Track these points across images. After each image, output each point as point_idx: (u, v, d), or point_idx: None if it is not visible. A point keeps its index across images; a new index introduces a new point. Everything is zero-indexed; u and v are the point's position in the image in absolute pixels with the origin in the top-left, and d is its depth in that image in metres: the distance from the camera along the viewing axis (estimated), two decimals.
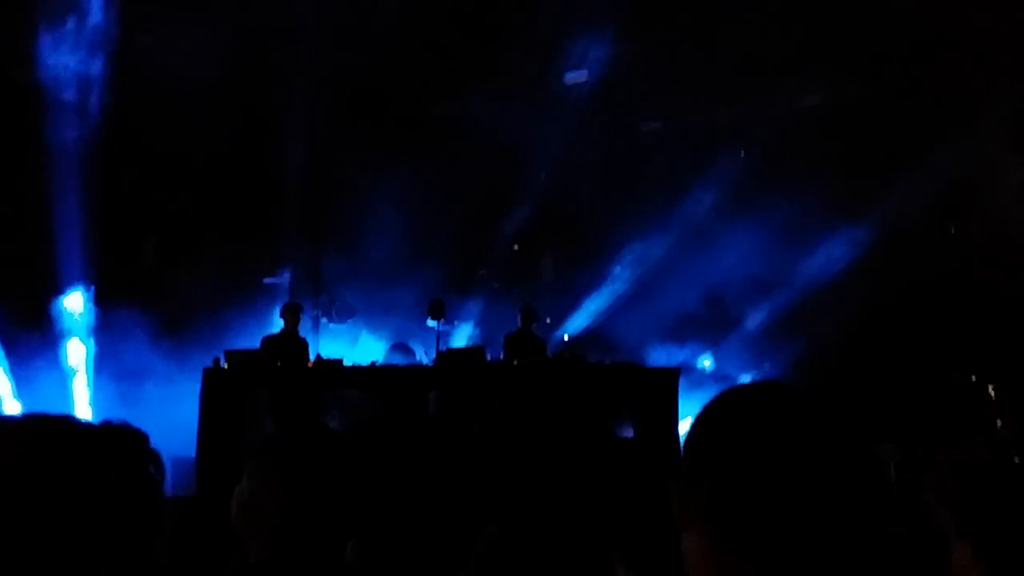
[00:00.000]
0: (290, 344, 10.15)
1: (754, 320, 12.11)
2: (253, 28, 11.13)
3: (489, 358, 10.64)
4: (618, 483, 8.43)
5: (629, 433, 9.93)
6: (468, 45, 11.45)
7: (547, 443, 9.10)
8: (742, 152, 12.60)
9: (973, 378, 9.44)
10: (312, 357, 10.22)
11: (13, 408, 10.48)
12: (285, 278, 12.40)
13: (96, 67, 10.69)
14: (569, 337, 12.44)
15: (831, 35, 10.88)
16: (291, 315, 10.37)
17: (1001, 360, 10.17)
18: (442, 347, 10.53)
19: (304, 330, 10.77)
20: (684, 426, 10.79)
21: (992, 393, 9.54)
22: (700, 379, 11.74)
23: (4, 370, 10.57)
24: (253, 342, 10.07)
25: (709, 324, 12.28)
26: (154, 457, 1.31)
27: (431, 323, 11.09)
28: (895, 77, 11.28)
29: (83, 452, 1.23)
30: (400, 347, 11.70)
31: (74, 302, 10.99)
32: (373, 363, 10.86)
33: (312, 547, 1.99)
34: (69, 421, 1.28)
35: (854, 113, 11.76)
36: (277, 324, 10.74)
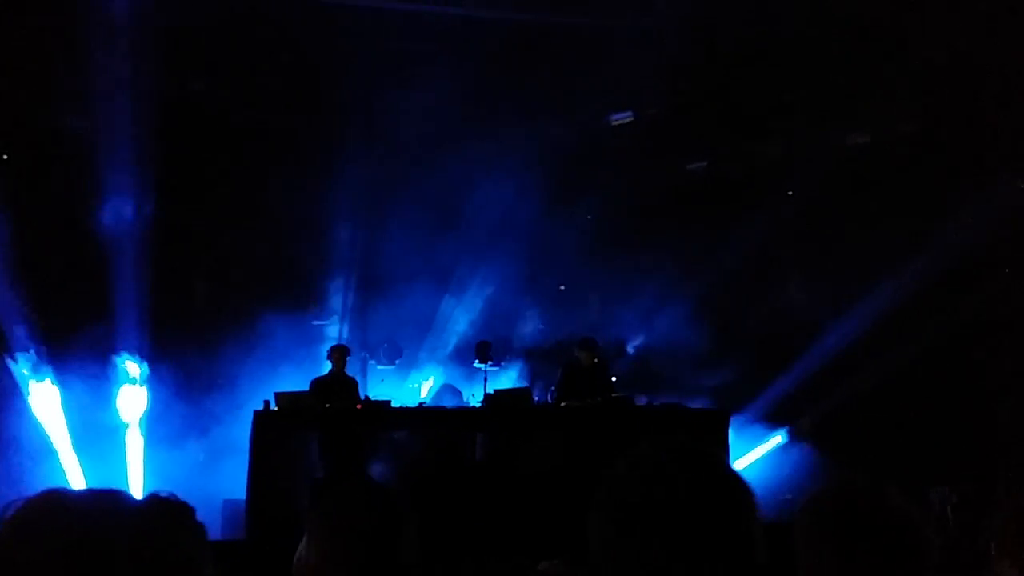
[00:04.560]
0: (339, 385, 10.20)
1: (806, 361, 11.93)
2: (306, 76, 11.35)
3: (537, 398, 10.61)
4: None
5: None
6: (512, 85, 11.55)
7: (595, 485, 8.98)
8: (790, 192, 12.52)
9: None
10: (361, 398, 10.27)
11: (70, 457, 10.64)
12: (334, 320, 12.50)
13: (148, 113, 10.92)
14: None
15: (879, 73, 10.82)
16: (338, 356, 10.43)
17: None
18: (489, 389, 10.52)
19: (352, 372, 10.83)
20: (736, 467, 10.63)
21: None
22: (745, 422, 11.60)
23: (63, 419, 10.76)
24: (302, 384, 10.15)
25: (758, 365, 12.12)
26: (199, 531, 1.32)
27: (478, 365, 11.10)
28: (944, 114, 11.17)
29: (128, 531, 1.25)
30: (448, 388, 11.72)
31: (132, 367, 11.18)
32: (421, 404, 10.87)
33: None
34: (114, 498, 1.30)
35: (904, 151, 11.66)
36: (326, 366, 10.83)
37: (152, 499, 1.31)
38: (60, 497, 1.28)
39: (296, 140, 11.80)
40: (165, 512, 1.30)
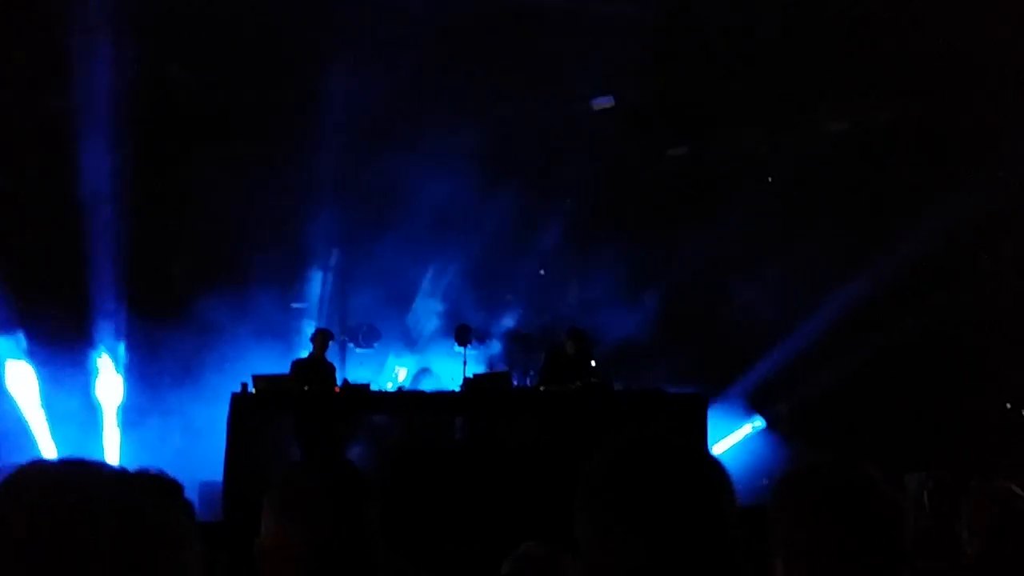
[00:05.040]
0: (318, 369, 10.18)
1: (785, 347, 11.99)
2: (283, 58, 11.24)
3: (515, 383, 10.62)
4: None
5: None
6: (493, 69, 11.48)
7: (574, 470, 9.02)
8: (769, 178, 12.55)
9: (1008, 406, 9.33)
10: (339, 382, 10.25)
11: (46, 440, 10.55)
12: (313, 303, 12.45)
13: (128, 95, 10.80)
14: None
15: (860, 62, 10.84)
16: (320, 340, 10.40)
17: None
18: (468, 372, 10.52)
19: (331, 355, 10.80)
20: (714, 452, 10.69)
21: None
22: (725, 407, 11.66)
23: (40, 401, 10.67)
24: (280, 367, 10.10)
25: (738, 350, 12.17)
26: (188, 509, 1.29)
27: (458, 349, 11.09)
28: (925, 104, 11.21)
29: (115, 502, 1.22)
30: (426, 372, 11.71)
31: (109, 351, 11.12)
32: (400, 388, 10.86)
33: None
34: (101, 469, 1.27)
35: (883, 140, 11.70)
36: (304, 349, 10.79)
37: (142, 474, 1.27)
38: (48, 467, 1.25)
39: (275, 123, 11.70)
40: (155, 488, 1.26)
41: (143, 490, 1.24)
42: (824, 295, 11.78)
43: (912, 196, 11.32)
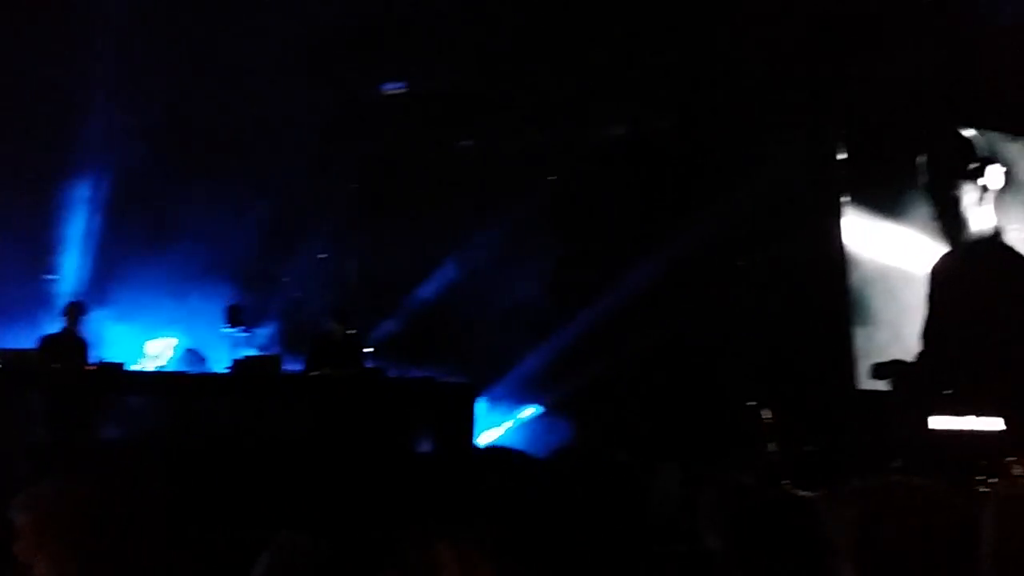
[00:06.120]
0: (69, 345, 9.60)
1: (548, 345, 12.37)
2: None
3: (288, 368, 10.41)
4: (413, 497, 8.39)
5: (427, 447, 9.94)
6: (288, 45, 11.19)
7: (343, 456, 8.97)
8: (549, 178, 12.89)
9: (751, 403, 10.02)
10: (94, 360, 9.68)
11: None
12: (67, 276, 11.69)
13: None
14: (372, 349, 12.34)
15: (639, 67, 11.35)
16: (72, 313, 9.83)
17: (777, 388, 10.83)
18: (238, 355, 10.20)
19: (88, 333, 10.21)
20: (480, 441, 10.94)
21: (767, 418, 10.16)
22: (497, 396, 11.95)
23: None
24: (27, 342, 9.44)
25: (504, 346, 12.44)
26: None
27: (227, 329, 10.75)
28: (696, 113, 11.86)
29: None
30: (191, 353, 11.25)
31: None
32: (159, 369, 10.42)
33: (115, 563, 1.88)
34: None
35: (658, 145, 12.29)
36: (55, 324, 10.14)
37: None
38: None
39: (38, 73, 10.87)
40: None
41: None
42: (597, 292, 12.25)
43: (678, 201, 11.95)
